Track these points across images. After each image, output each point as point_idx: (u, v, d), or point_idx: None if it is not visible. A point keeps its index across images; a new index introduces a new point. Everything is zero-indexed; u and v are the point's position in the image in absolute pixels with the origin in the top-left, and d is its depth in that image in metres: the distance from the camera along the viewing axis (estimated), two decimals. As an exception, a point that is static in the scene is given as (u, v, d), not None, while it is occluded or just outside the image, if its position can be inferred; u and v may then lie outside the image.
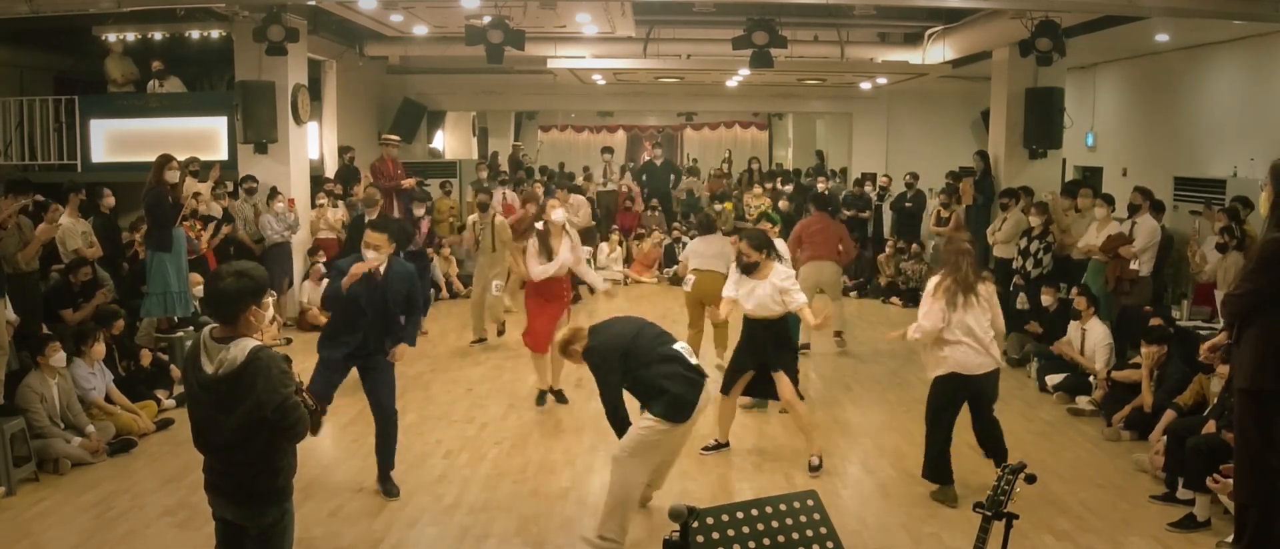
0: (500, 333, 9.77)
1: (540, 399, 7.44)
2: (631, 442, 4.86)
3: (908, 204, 13.19)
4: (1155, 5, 8.39)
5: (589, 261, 10.73)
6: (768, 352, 6.14)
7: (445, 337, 9.97)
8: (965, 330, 5.45)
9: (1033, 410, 7.52)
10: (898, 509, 5.50)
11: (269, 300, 3.21)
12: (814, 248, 9.10)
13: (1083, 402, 7.49)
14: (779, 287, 6.02)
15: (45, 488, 5.75)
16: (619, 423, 4.97)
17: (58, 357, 6.23)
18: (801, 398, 6.27)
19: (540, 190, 12.39)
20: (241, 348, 3.17)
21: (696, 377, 4.95)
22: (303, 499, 5.40)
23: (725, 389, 6.32)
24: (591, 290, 9.55)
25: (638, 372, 4.91)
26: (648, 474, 5.04)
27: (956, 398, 5.63)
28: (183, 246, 8.12)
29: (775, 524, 2.94)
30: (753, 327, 6.18)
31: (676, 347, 5.04)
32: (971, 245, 5.72)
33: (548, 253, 7.09)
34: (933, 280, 5.66)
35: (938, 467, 5.71)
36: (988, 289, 5.60)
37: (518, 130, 20.71)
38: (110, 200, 9.04)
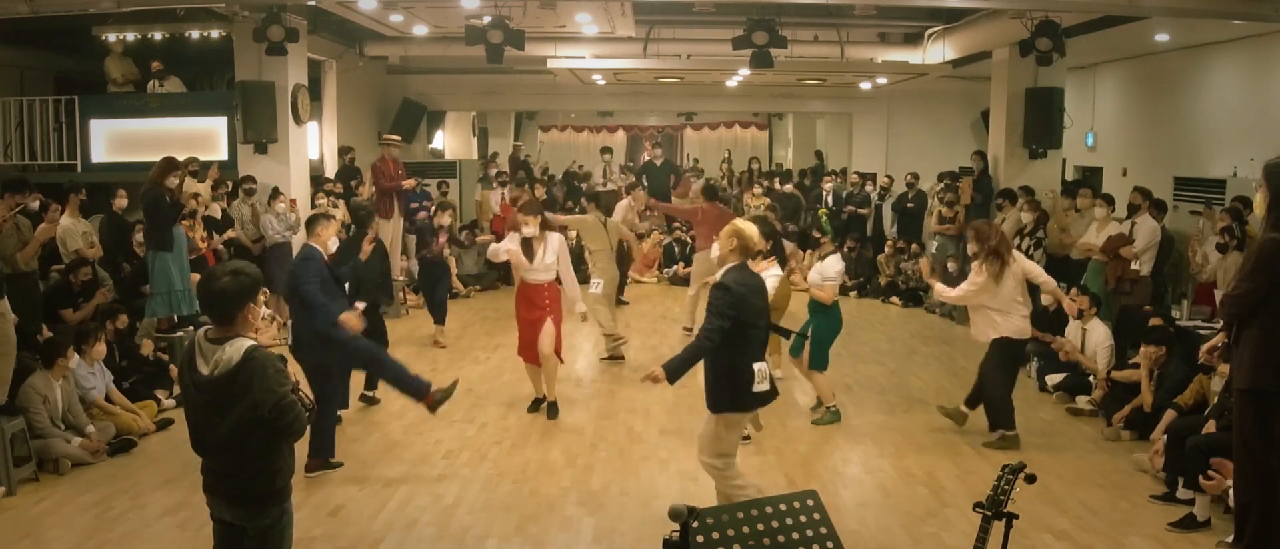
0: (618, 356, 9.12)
1: (534, 406, 7.37)
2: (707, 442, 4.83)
3: (909, 204, 13.20)
4: (1155, 5, 8.40)
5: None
6: None
7: (445, 337, 9.96)
8: (1010, 301, 6.14)
9: (1033, 410, 7.51)
10: (898, 509, 5.50)
11: (262, 299, 3.22)
12: (710, 238, 9.48)
13: (1083, 402, 7.48)
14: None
15: (45, 488, 5.75)
16: (689, 367, 4.69)
17: (74, 360, 6.25)
18: None
19: (542, 192, 12.40)
20: (237, 348, 3.17)
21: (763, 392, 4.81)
22: (302, 499, 5.40)
23: None
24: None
25: (739, 345, 4.65)
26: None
27: (1016, 359, 6.49)
28: (184, 245, 8.12)
29: (775, 524, 2.94)
30: None
31: (759, 365, 4.80)
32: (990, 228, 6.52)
33: (530, 257, 7.06)
34: (975, 265, 6.35)
35: (1002, 413, 6.50)
36: (1019, 258, 6.36)
37: (518, 130, 20.71)
38: (123, 200, 9.05)
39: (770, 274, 6.32)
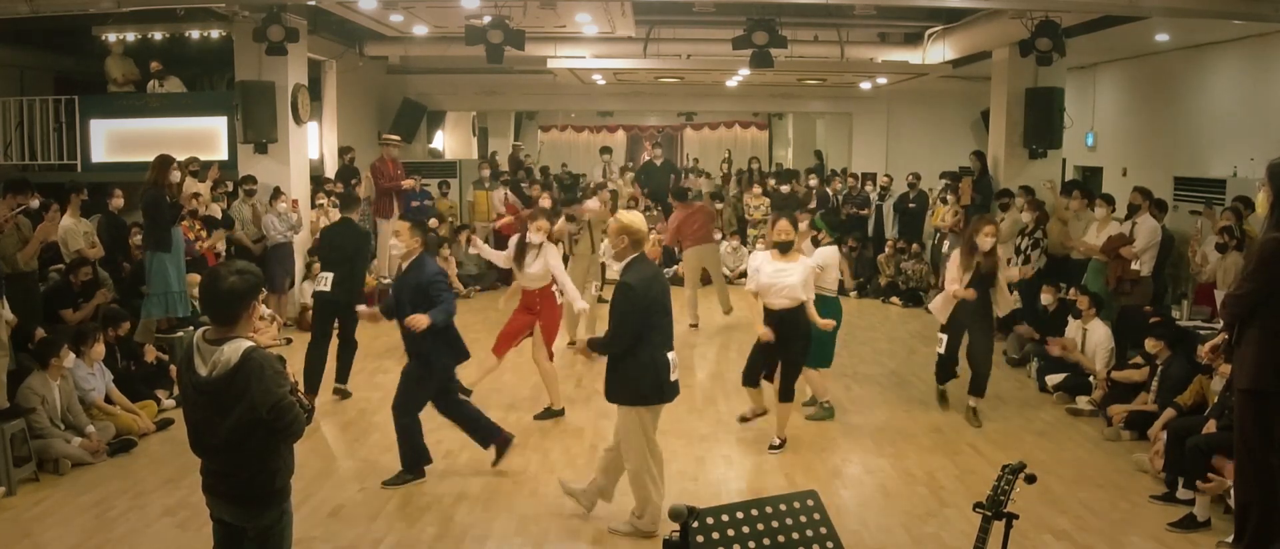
0: None
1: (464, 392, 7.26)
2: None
3: (910, 204, 13.19)
4: (1155, 5, 8.39)
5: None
6: (788, 343, 6.32)
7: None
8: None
9: (1033, 410, 7.52)
10: (898, 509, 5.50)
11: (262, 298, 3.26)
12: (694, 235, 10.38)
13: (1083, 402, 7.48)
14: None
15: (45, 488, 5.75)
16: (605, 350, 4.91)
17: (69, 359, 6.25)
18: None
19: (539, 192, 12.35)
20: (235, 349, 3.16)
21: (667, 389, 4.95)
22: (302, 499, 5.40)
23: (750, 380, 6.53)
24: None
25: (653, 336, 4.83)
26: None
27: None
28: (181, 246, 8.11)
29: (775, 524, 2.94)
30: (772, 317, 6.33)
31: (671, 355, 4.95)
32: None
33: (520, 264, 7.07)
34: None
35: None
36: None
37: (518, 130, 20.70)
38: (119, 201, 9.05)
39: (825, 251, 6.80)
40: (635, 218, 4.99)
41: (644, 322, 4.77)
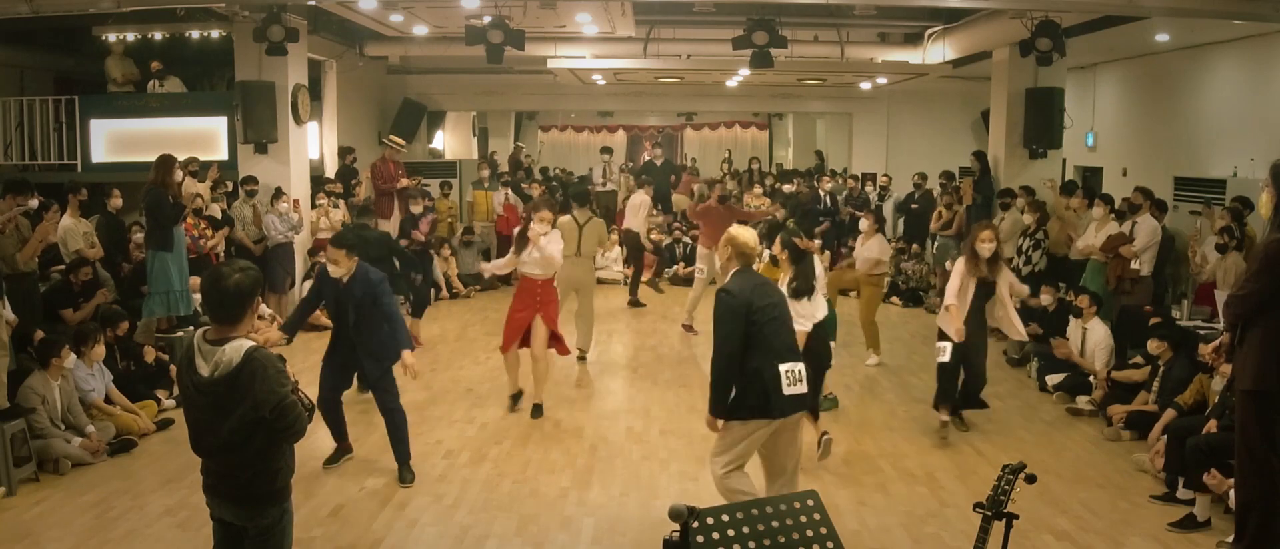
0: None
1: (515, 400, 7.39)
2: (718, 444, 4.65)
3: (914, 205, 13.16)
4: (1155, 5, 8.40)
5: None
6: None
7: (445, 337, 9.96)
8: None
9: (1033, 410, 7.52)
10: (898, 509, 5.50)
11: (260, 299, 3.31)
12: (715, 237, 9.72)
13: (1083, 402, 7.48)
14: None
15: (45, 488, 5.75)
16: (723, 386, 4.49)
17: (70, 360, 6.26)
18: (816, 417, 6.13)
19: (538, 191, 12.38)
20: (237, 349, 3.16)
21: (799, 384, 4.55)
22: (302, 499, 5.40)
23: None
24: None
25: (756, 347, 4.46)
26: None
27: None
28: (183, 246, 8.11)
29: (775, 524, 2.94)
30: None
31: (784, 367, 4.55)
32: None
33: (519, 251, 7.15)
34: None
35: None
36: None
37: (518, 130, 20.71)
38: (118, 201, 9.05)
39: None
40: (748, 234, 4.70)
41: (746, 330, 4.45)
